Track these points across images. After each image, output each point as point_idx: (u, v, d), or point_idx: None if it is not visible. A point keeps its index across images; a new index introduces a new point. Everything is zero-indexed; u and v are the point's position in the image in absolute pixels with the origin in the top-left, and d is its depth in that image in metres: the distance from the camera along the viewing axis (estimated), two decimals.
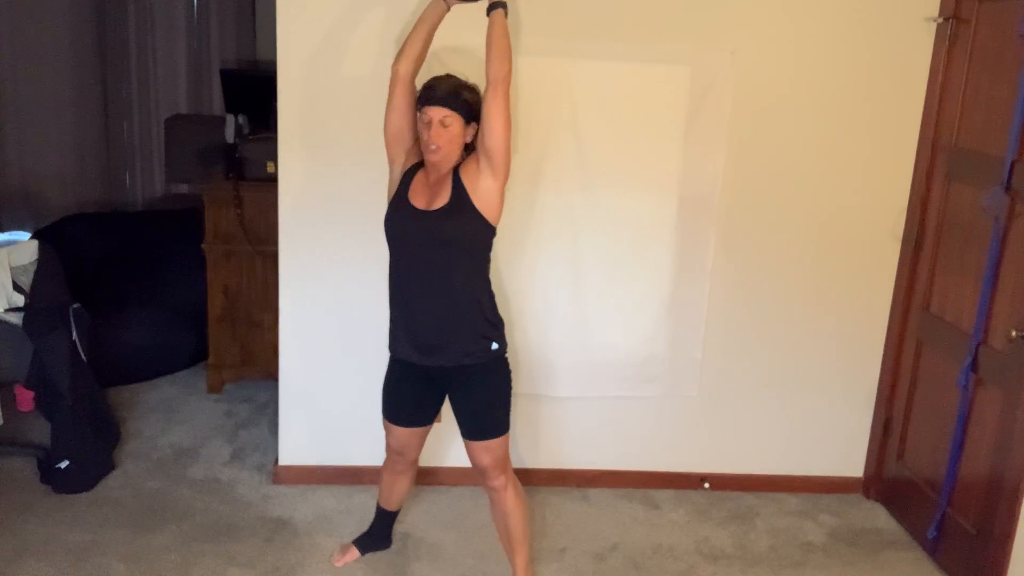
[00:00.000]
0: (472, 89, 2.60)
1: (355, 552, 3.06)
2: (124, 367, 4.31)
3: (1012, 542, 2.82)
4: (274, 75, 3.17)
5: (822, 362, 3.58)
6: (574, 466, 3.64)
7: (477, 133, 2.60)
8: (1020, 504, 2.78)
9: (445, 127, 2.52)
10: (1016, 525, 2.80)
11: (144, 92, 5.57)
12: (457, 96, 2.54)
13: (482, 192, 2.58)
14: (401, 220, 2.62)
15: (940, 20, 3.24)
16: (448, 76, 2.63)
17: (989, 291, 2.95)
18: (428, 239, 2.58)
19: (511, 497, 2.79)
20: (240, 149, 4.07)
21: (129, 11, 5.43)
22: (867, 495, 3.70)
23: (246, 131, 4.16)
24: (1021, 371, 2.81)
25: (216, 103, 5.48)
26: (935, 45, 3.29)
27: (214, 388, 4.32)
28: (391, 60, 3.13)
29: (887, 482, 3.62)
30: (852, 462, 3.71)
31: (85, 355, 3.54)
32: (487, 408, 2.74)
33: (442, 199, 2.58)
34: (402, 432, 2.84)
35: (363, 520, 3.18)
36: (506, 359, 2.77)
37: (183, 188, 5.52)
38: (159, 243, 4.76)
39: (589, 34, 3.18)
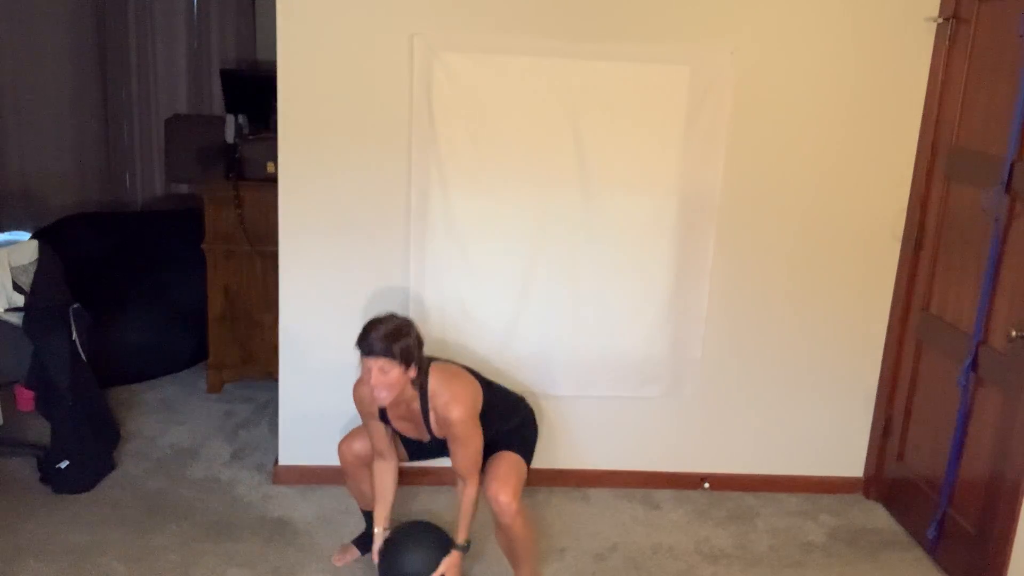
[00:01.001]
0: (404, 333, 2.63)
1: (355, 552, 3.06)
2: (124, 367, 4.31)
3: (1012, 542, 2.82)
4: (274, 75, 3.17)
5: (822, 362, 3.58)
6: (574, 466, 3.64)
7: (419, 370, 2.69)
8: (1020, 504, 2.78)
9: (384, 374, 2.59)
10: (1016, 525, 2.80)
11: (144, 92, 5.57)
12: (388, 347, 2.58)
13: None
14: (403, 439, 2.91)
15: (940, 20, 3.24)
16: (377, 322, 2.65)
17: (989, 291, 2.95)
18: (435, 453, 2.91)
19: (520, 524, 2.80)
20: (240, 149, 4.07)
21: (129, 11, 5.42)
22: (867, 495, 3.70)
23: (246, 131, 4.16)
24: (1021, 371, 2.81)
25: (216, 103, 5.48)
26: (935, 45, 3.29)
27: (214, 388, 4.32)
28: (391, 60, 3.15)
29: (887, 482, 3.62)
30: (852, 462, 3.71)
31: (85, 355, 3.54)
32: (505, 463, 2.84)
33: (422, 435, 2.82)
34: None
35: (363, 520, 3.18)
36: (534, 421, 3.04)
37: (183, 188, 5.52)
38: (159, 243, 4.76)
39: (589, 34, 3.18)
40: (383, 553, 2.83)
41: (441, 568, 2.75)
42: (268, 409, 4.16)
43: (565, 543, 3.26)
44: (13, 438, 3.70)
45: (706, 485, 3.68)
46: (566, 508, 3.50)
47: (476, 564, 3.07)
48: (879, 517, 3.57)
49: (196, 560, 3.01)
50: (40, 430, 3.60)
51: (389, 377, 2.60)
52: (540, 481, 3.61)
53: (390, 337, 2.61)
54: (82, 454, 3.42)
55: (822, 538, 3.39)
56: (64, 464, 3.37)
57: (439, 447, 2.84)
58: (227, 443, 3.86)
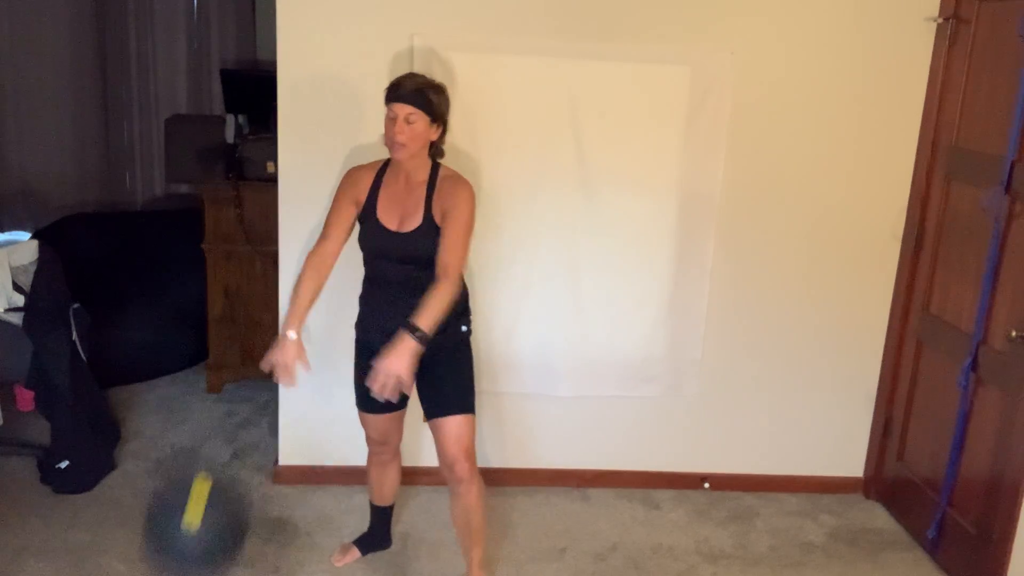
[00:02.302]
0: (439, 90, 2.57)
1: (356, 552, 3.06)
2: (124, 367, 4.31)
3: (1012, 542, 2.82)
4: (274, 75, 3.17)
5: (822, 362, 3.58)
6: (574, 466, 3.64)
7: (442, 135, 2.62)
8: (1020, 504, 2.78)
9: (410, 124, 2.50)
10: (1016, 525, 2.80)
11: (144, 92, 5.57)
12: (422, 94, 2.52)
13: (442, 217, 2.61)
14: (372, 238, 2.63)
15: (940, 20, 3.24)
16: (414, 75, 2.62)
17: (989, 291, 2.95)
18: (401, 255, 2.61)
19: (475, 491, 2.71)
20: (240, 149, 4.07)
21: (129, 11, 5.43)
22: (867, 495, 3.70)
23: (246, 131, 4.16)
24: (1021, 371, 2.81)
25: (216, 103, 5.48)
26: (935, 45, 3.29)
27: (214, 388, 4.32)
28: (391, 60, 3.15)
29: (887, 482, 3.62)
30: (852, 462, 3.71)
31: (85, 355, 3.54)
32: (456, 383, 2.71)
33: (413, 220, 2.59)
34: (379, 420, 2.82)
35: (363, 520, 3.18)
36: (470, 343, 2.76)
37: (183, 188, 5.52)
38: (159, 243, 4.76)
39: (589, 34, 3.18)
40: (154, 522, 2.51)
41: (384, 360, 2.38)
42: (268, 409, 4.16)
43: (565, 543, 3.26)
44: (13, 438, 3.69)
45: (706, 485, 3.68)
46: (566, 508, 3.50)
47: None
48: (879, 517, 3.57)
49: None
50: (40, 430, 3.59)
51: (414, 128, 2.51)
52: (540, 481, 3.61)
53: (425, 87, 2.54)
54: (82, 454, 3.42)
55: (822, 538, 3.39)
56: (64, 464, 3.37)
57: (414, 244, 2.55)
58: (227, 443, 3.86)
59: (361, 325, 2.78)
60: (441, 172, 2.63)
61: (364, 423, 2.86)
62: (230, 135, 4.07)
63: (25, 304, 3.37)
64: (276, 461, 3.57)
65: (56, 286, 3.47)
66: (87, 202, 5.48)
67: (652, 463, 3.66)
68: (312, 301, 2.65)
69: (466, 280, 2.71)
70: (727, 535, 3.38)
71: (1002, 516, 2.86)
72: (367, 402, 2.72)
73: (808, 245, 3.45)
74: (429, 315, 2.48)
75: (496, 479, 3.57)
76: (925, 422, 3.38)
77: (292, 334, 2.57)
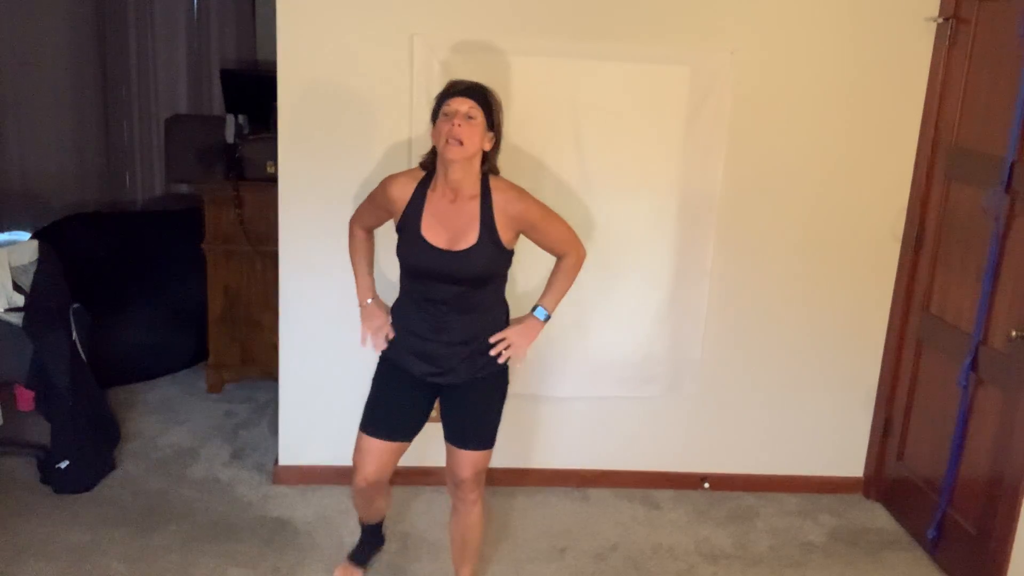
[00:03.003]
0: (497, 97, 2.44)
1: (357, 572, 2.94)
2: (124, 367, 4.30)
3: (1012, 542, 2.82)
4: (274, 75, 3.17)
5: (822, 362, 3.58)
6: (574, 466, 3.64)
7: (495, 148, 2.47)
8: (1020, 504, 2.78)
9: (471, 119, 2.32)
10: (1016, 525, 2.80)
11: (144, 92, 5.56)
12: (484, 92, 2.38)
13: (514, 235, 2.49)
14: (417, 256, 2.44)
15: (940, 20, 3.24)
16: (466, 80, 2.47)
17: (989, 291, 2.95)
18: (453, 275, 2.43)
19: (478, 512, 2.67)
20: (240, 149, 4.07)
21: (129, 11, 5.42)
22: (867, 495, 3.70)
23: (246, 131, 4.15)
24: (1021, 371, 2.81)
25: (216, 103, 5.47)
26: (935, 45, 3.29)
27: (214, 388, 4.32)
28: (391, 60, 3.15)
29: (887, 482, 3.62)
30: (852, 462, 3.71)
31: (85, 355, 3.54)
32: (483, 418, 2.61)
33: (467, 238, 2.40)
34: (383, 448, 2.58)
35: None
36: (508, 370, 2.66)
37: (183, 188, 5.52)
38: (159, 243, 4.76)
39: (589, 34, 3.18)
40: None
41: (513, 331, 2.53)
42: (268, 409, 4.16)
43: (565, 543, 3.26)
44: (13, 438, 3.70)
45: (706, 485, 3.68)
46: (566, 508, 3.50)
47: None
48: (879, 517, 3.57)
49: (196, 560, 3.01)
50: (40, 430, 3.59)
51: (474, 125, 2.32)
52: (540, 481, 3.61)
53: (486, 88, 2.40)
54: (82, 454, 3.42)
55: (822, 538, 3.39)
56: (64, 464, 3.37)
57: (469, 263, 2.41)
58: (227, 443, 3.86)
59: (395, 345, 2.58)
60: (493, 184, 2.45)
61: (362, 454, 2.60)
62: (230, 135, 4.06)
63: (25, 304, 3.37)
64: (276, 461, 3.57)
65: (56, 286, 3.47)
66: (87, 202, 5.47)
67: (652, 463, 3.66)
68: (371, 264, 2.68)
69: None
70: (727, 535, 3.38)
71: (1002, 516, 2.86)
72: (379, 425, 2.57)
73: (808, 245, 3.45)
74: (558, 292, 2.54)
75: (496, 479, 3.57)
76: (925, 422, 3.38)
77: (370, 300, 2.64)
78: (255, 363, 4.27)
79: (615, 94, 3.22)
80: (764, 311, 3.51)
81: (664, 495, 3.63)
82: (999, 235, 2.91)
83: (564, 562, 3.15)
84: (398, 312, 2.60)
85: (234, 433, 3.96)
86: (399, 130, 3.21)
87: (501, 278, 2.57)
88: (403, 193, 2.46)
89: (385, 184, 2.53)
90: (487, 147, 2.41)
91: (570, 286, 2.60)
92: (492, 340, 2.52)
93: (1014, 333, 2.80)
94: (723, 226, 3.40)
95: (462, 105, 2.33)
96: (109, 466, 3.55)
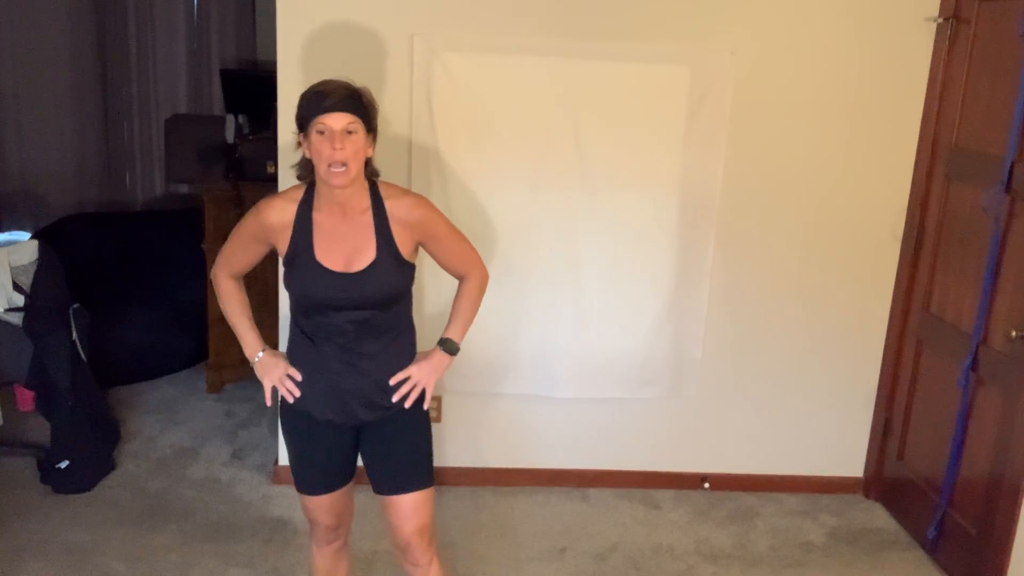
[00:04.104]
0: (368, 94, 2.10)
1: None
2: (124, 367, 4.31)
3: (1012, 542, 2.82)
4: (274, 75, 3.17)
5: (822, 362, 3.58)
6: (574, 466, 3.64)
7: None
8: (1020, 504, 2.78)
9: (351, 134, 2.01)
10: (1016, 525, 2.80)
11: (144, 92, 5.57)
12: (358, 99, 2.05)
13: (413, 247, 2.20)
14: (314, 284, 2.13)
15: (940, 20, 3.24)
16: (331, 80, 2.09)
17: (989, 291, 2.95)
18: (353, 299, 2.13)
19: (434, 574, 2.32)
20: (240, 149, 4.07)
21: (129, 11, 5.42)
22: (867, 495, 3.70)
23: (246, 131, 4.16)
24: (1021, 371, 2.81)
25: (216, 103, 5.48)
26: (935, 45, 3.29)
27: (214, 388, 4.32)
28: (391, 60, 3.15)
29: (887, 482, 3.62)
30: (852, 462, 3.71)
31: (85, 355, 3.54)
32: (414, 451, 2.28)
33: (364, 256, 2.12)
34: (331, 499, 2.32)
35: (361, 520, 3.17)
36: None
37: (183, 188, 5.52)
38: (159, 243, 4.76)
39: (589, 34, 3.18)
40: None
41: (418, 368, 2.22)
42: (268, 409, 4.16)
43: (565, 543, 3.26)
44: (13, 438, 3.70)
45: (706, 485, 3.68)
46: (566, 508, 3.50)
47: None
48: (879, 517, 3.57)
49: (196, 560, 3.01)
50: (40, 430, 3.60)
51: (355, 141, 2.01)
52: (540, 481, 3.61)
53: (357, 90, 2.06)
54: (82, 454, 3.42)
55: (822, 538, 3.39)
56: (64, 464, 3.38)
57: (370, 283, 2.13)
58: (227, 443, 3.86)
59: (300, 399, 2.24)
60: (383, 192, 2.15)
61: (311, 508, 2.34)
62: (230, 135, 4.07)
63: (25, 304, 3.37)
64: (276, 461, 3.57)
65: (56, 286, 3.47)
66: (87, 202, 5.47)
67: (652, 463, 3.66)
68: (251, 315, 2.37)
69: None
70: (727, 535, 3.38)
71: (1002, 516, 2.86)
72: (313, 483, 2.30)
73: (808, 245, 3.45)
74: (464, 321, 2.27)
75: (496, 479, 3.57)
76: (925, 422, 3.38)
77: (261, 353, 2.29)
78: None
79: (615, 94, 3.22)
80: (764, 311, 3.51)
81: (664, 495, 3.63)
82: (999, 235, 2.91)
83: (564, 562, 3.15)
84: (295, 354, 2.25)
85: (234, 433, 3.96)
86: (399, 130, 3.21)
87: (407, 297, 2.26)
88: (283, 218, 2.15)
89: (260, 212, 2.17)
90: (370, 154, 2.10)
91: (476, 313, 2.30)
92: (393, 381, 2.21)
93: (1014, 333, 2.80)
94: (723, 226, 3.40)
95: (339, 122, 2.00)
96: (109, 466, 3.56)
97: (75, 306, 3.50)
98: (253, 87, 4.34)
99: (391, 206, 2.14)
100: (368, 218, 2.13)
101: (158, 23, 5.48)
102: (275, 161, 3.28)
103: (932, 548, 3.26)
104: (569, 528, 3.36)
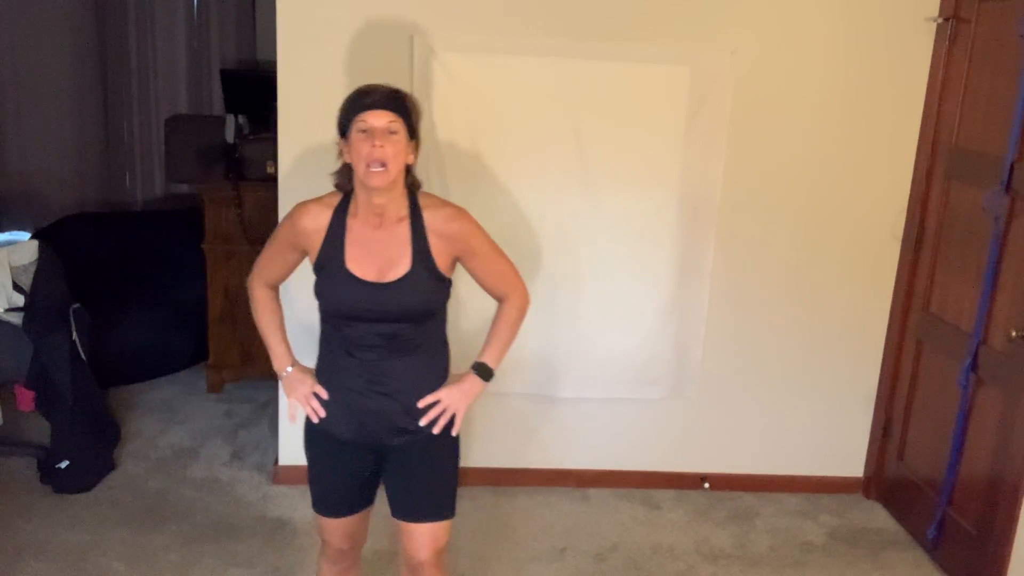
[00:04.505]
0: (413, 98, 2.06)
1: None
2: (124, 367, 4.31)
3: (1012, 542, 2.82)
4: (274, 75, 3.17)
5: (822, 362, 3.58)
6: (574, 466, 3.64)
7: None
8: (1020, 504, 2.78)
9: (392, 134, 1.96)
10: (1016, 525, 2.80)
11: (144, 92, 5.57)
12: (400, 99, 2.00)
13: (450, 261, 2.12)
14: (343, 293, 2.07)
15: (940, 20, 3.24)
16: (377, 84, 2.05)
17: (989, 291, 2.95)
18: (384, 311, 2.06)
19: None
20: (240, 149, 4.07)
21: (129, 11, 5.43)
22: (867, 495, 3.70)
23: (246, 131, 4.16)
24: (1021, 371, 2.81)
25: (216, 103, 5.48)
26: (935, 45, 3.29)
27: (214, 388, 4.32)
28: (391, 60, 3.15)
29: (887, 482, 3.62)
30: (852, 462, 3.71)
31: (85, 355, 3.54)
32: (437, 481, 2.21)
33: (398, 267, 2.05)
34: (347, 523, 2.25)
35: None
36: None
37: (183, 188, 5.52)
38: (159, 243, 4.76)
39: (589, 34, 3.18)
40: None
41: (448, 392, 2.13)
42: (268, 409, 4.16)
43: (565, 543, 3.26)
44: (13, 438, 3.70)
45: (706, 485, 3.68)
46: (566, 508, 3.50)
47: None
48: (879, 517, 3.57)
49: (196, 560, 3.01)
50: (40, 430, 3.60)
51: (396, 141, 1.96)
52: (540, 481, 3.61)
53: (401, 92, 2.01)
54: (82, 454, 3.42)
55: (822, 538, 3.39)
56: (64, 464, 3.38)
57: (402, 295, 2.05)
58: (227, 443, 3.86)
59: (324, 420, 2.17)
60: (422, 202, 2.09)
61: (325, 529, 2.28)
62: (230, 135, 4.07)
63: (25, 304, 3.37)
64: (276, 461, 3.57)
65: (56, 286, 3.47)
66: (87, 202, 5.48)
67: (652, 463, 3.66)
68: (284, 328, 2.32)
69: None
70: (727, 535, 3.38)
71: (1002, 516, 2.86)
72: (331, 504, 2.23)
73: (808, 245, 3.45)
74: (500, 345, 2.17)
75: (496, 479, 3.57)
76: (925, 422, 3.38)
77: (290, 368, 2.25)
78: (255, 363, 4.27)
79: (615, 94, 3.22)
80: (764, 311, 3.51)
81: (664, 495, 3.63)
82: (999, 235, 2.91)
83: (564, 562, 3.15)
84: (324, 368, 2.20)
85: (234, 433, 3.96)
86: None
87: (441, 313, 2.18)
88: (318, 224, 2.09)
89: (294, 217, 2.12)
90: (411, 161, 2.05)
91: (513, 338, 2.21)
92: (422, 404, 2.12)
93: (1014, 333, 2.80)
94: (723, 226, 3.40)
95: (380, 119, 1.95)
96: (109, 466, 3.56)
97: (75, 306, 3.50)
98: (253, 87, 4.34)
99: (429, 216, 2.07)
100: (405, 227, 2.06)
101: (158, 23, 5.48)
102: (275, 161, 3.28)
103: (932, 548, 3.26)
104: (569, 528, 3.36)
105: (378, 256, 2.06)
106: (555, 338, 3.45)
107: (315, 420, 2.18)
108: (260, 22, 5.45)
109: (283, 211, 3.29)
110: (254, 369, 4.28)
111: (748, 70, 3.26)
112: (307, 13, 3.11)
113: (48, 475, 3.40)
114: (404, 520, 2.20)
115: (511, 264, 2.20)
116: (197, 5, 5.48)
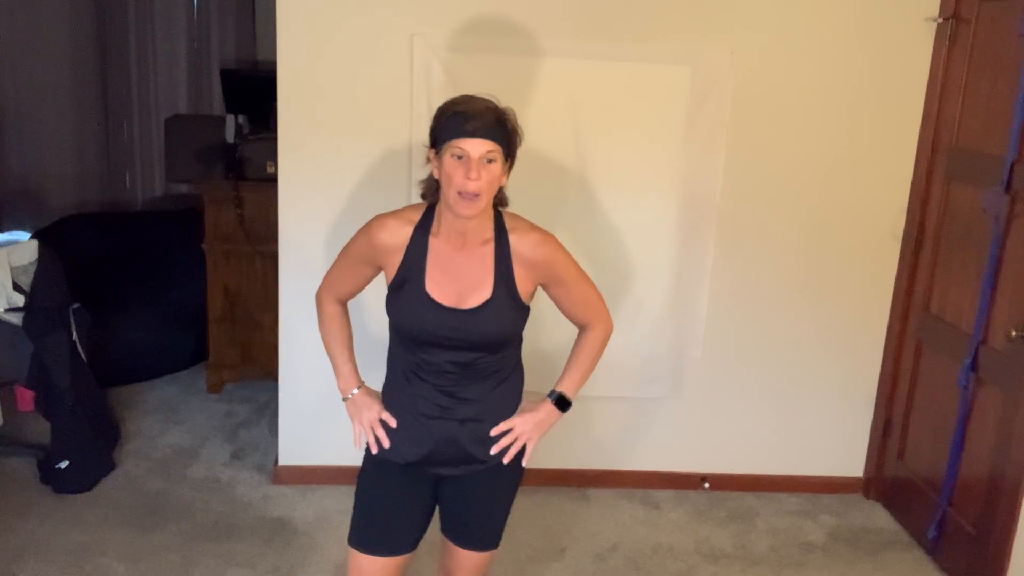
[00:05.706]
0: (513, 118, 1.93)
1: None
2: (124, 367, 4.31)
3: (1012, 542, 2.82)
4: (274, 75, 3.17)
5: (822, 362, 3.58)
6: (574, 466, 3.64)
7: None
8: (1020, 504, 2.78)
9: (489, 164, 1.84)
10: (1016, 525, 2.80)
11: (144, 92, 5.57)
12: (503, 125, 1.87)
13: (532, 288, 2.05)
14: (421, 318, 1.96)
15: (940, 20, 3.24)
16: (475, 97, 1.90)
17: (989, 291, 2.95)
18: (462, 339, 1.96)
19: None
20: (240, 149, 4.07)
21: (129, 11, 5.42)
22: (867, 495, 3.70)
23: (246, 131, 4.16)
24: (1021, 371, 2.81)
25: (216, 103, 5.48)
26: (935, 45, 3.29)
27: (214, 388, 4.32)
28: (391, 60, 3.15)
29: (887, 482, 3.62)
30: (852, 462, 3.71)
31: (85, 355, 3.54)
32: (491, 514, 2.15)
33: (479, 293, 1.95)
34: (385, 567, 2.08)
35: None
36: (521, 458, 2.15)
37: (183, 188, 5.52)
38: (159, 243, 4.76)
39: (589, 34, 3.18)
40: None
41: (523, 420, 2.07)
42: (268, 409, 4.16)
43: (565, 543, 3.26)
44: (13, 438, 3.70)
45: (706, 485, 3.68)
46: (566, 508, 3.50)
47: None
48: (879, 517, 3.57)
49: (196, 560, 3.01)
50: (40, 430, 3.60)
51: (492, 171, 1.84)
52: (540, 481, 3.61)
53: (501, 114, 1.87)
54: (82, 454, 3.42)
55: (822, 538, 3.39)
56: (64, 464, 3.38)
57: (483, 323, 1.96)
58: (227, 443, 3.86)
59: (389, 450, 2.07)
60: (508, 224, 1.98)
61: (357, 569, 2.09)
62: (230, 135, 4.07)
63: (25, 304, 3.37)
64: (276, 461, 3.57)
65: (56, 286, 3.47)
66: (87, 202, 5.47)
67: (652, 463, 3.66)
68: (351, 346, 2.19)
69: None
70: (727, 535, 3.38)
71: (1002, 516, 2.86)
72: (373, 536, 2.07)
73: (808, 245, 3.45)
74: (581, 375, 2.10)
75: None
76: (925, 422, 3.38)
77: (356, 390, 2.13)
78: (255, 363, 4.27)
79: (615, 94, 3.23)
80: (764, 311, 3.51)
81: (664, 495, 3.63)
82: (999, 235, 2.91)
83: (564, 562, 3.15)
84: (392, 391, 2.10)
85: (234, 433, 3.96)
86: (399, 130, 3.21)
87: (518, 341, 2.12)
88: (396, 240, 1.97)
89: (371, 232, 2.00)
90: (503, 182, 1.94)
91: (594, 368, 2.15)
92: (495, 432, 2.04)
93: (1014, 333, 2.80)
94: (723, 226, 3.40)
95: (478, 149, 1.82)
96: (109, 466, 3.55)
97: (75, 306, 3.50)
98: (253, 87, 4.34)
99: (515, 241, 1.96)
100: (489, 251, 1.96)
101: (158, 23, 5.48)
102: (275, 161, 3.28)
103: (932, 548, 3.26)
104: (569, 528, 3.36)
105: (459, 280, 1.96)
106: (555, 338, 3.44)
107: (374, 451, 2.08)
108: (260, 22, 5.45)
109: (283, 211, 3.29)
110: (254, 369, 4.28)
111: (748, 70, 3.26)
112: (307, 13, 3.11)
113: (48, 475, 3.40)
114: (452, 542, 2.16)
115: (596, 291, 2.12)
116: (197, 5, 5.48)
